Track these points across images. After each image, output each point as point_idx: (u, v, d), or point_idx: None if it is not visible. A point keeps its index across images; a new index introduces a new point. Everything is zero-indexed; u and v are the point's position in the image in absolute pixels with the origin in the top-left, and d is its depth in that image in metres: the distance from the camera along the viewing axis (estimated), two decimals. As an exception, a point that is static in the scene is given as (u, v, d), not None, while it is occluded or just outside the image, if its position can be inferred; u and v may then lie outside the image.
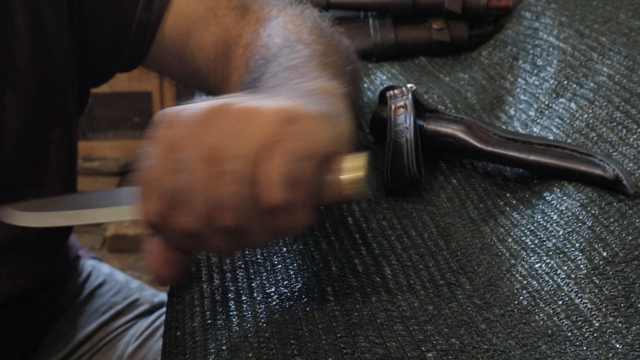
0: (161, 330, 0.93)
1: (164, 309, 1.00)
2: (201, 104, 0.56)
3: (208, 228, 0.55)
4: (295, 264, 0.66)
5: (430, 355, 0.55)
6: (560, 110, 0.84)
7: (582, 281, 0.63)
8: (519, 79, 0.93)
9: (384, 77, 1.01)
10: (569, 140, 0.80)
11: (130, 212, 0.60)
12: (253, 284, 0.65)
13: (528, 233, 0.70)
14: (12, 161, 0.80)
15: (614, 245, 0.65)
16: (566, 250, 0.67)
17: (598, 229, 0.67)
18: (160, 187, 0.55)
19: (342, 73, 0.71)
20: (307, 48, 0.73)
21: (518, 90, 0.91)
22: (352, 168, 0.57)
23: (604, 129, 0.79)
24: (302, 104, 0.57)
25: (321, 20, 0.82)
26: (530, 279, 0.65)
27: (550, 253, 0.67)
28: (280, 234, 0.58)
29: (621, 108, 0.80)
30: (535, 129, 0.84)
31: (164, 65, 0.87)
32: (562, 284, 0.64)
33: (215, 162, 0.54)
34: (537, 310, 0.62)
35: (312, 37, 0.76)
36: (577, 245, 0.67)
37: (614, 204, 0.70)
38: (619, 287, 0.62)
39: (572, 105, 0.84)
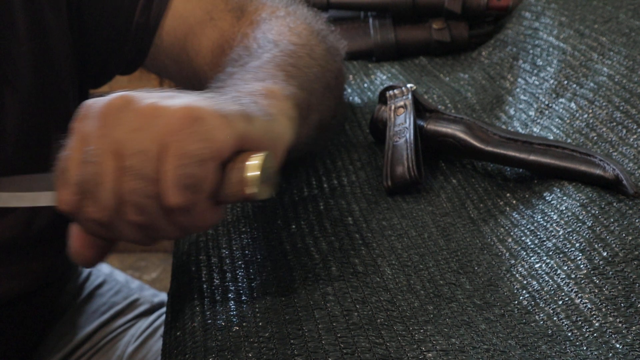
0: (161, 330, 0.93)
1: (164, 309, 1.00)
2: (111, 97, 0.57)
3: (116, 220, 0.57)
4: (295, 264, 0.66)
5: (430, 355, 0.55)
6: (560, 110, 0.84)
7: (582, 281, 0.63)
8: (519, 79, 0.93)
9: (384, 77, 1.01)
10: (569, 140, 0.80)
11: (50, 198, 0.61)
12: (253, 284, 0.65)
13: (528, 233, 0.70)
14: (12, 162, 0.80)
15: (614, 245, 0.65)
16: (566, 250, 0.67)
17: (598, 229, 0.67)
18: (72, 177, 0.57)
19: (302, 74, 0.71)
20: (275, 48, 0.73)
21: (518, 90, 0.91)
22: (253, 167, 0.57)
23: (604, 129, 0.79)
24: (212, 103, 0.57)
25: (314, 21, 0.82)
26: (530, 279, 0.65)
27: (550, 253, 0.67)
28: (189, 231, 0.59)
29: (621, 108, 0.80)
30: (535, 129, 0.84)
31: (163, 69, 0.88)
32: (562, 284, 0.64)
33: (120, 156, 0.55)
34: (537, 310, 0.62)
35: (291, 38, 0.76)
36: (577, 245, 0.67)
37: (614, 204, 0.70)
38: (619, 287, 0.62)
39: (572, 105, 0.84)
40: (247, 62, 0.71)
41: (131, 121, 0.55)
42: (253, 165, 0.57)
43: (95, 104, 0.57)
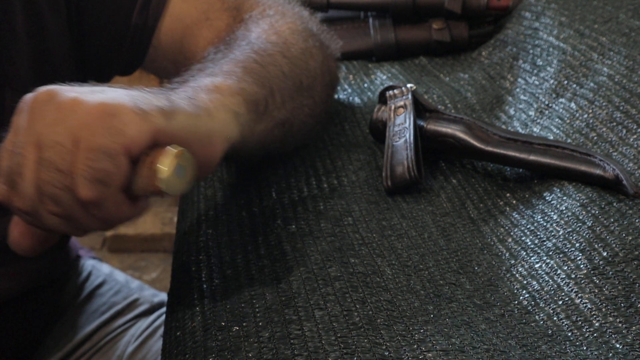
0: (161, 330, 0.93)
1: (164, 309, 1.00)
2: (38, 91, 0.59)
3: (39, 210, 0.58)
4: (295, 264, 0.66)
5: (430, 355, 0.55)
6: (560, 110, 0.84)
7: (582, 281, 0.63)
8: (519, 79, 0.93)
9: (384, 77, 1.01)
10: (569, 140, 0.80)
11: None
12: (253, 284, 0.65)
13: (528, 233, 0.70)
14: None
15: (614, 245, 0.65)
16: (566, 250, 0.67)
17: (598, 229, 0.67)
18: (2, 168, 0.59)
19: (265, 72, 0.72)
20: (247, 46, 0.74)
21: (518, 90, 0.91)
22: (163, 162, 0.58)
23: (604, 129, 0.79)
24: (132, 98, 0.59)
25: (304, 21, 0.83)
26: (530, 279, 0.65)
27: (550, 253, 0.67)
28: (109, 223, 0.60)
29: (621, 108, 0.80)
30: (535, 129, 0.84)
31: (162, 70, 0.88)
32: (562, 284, 0.63)
33: (39, 149, 0.57)
34: (537, 310, 0.62)
35: (269, 36, 0.77)
36: (577, 245, 0.67)
37: (614, 204, 0.70)
38: (619, 287, 0.62)
39: (572, 105, 0.84)
40: (215, 59, 0.73)
41: (52, 114, 0.58)
42: (163, 161, 0.58)
43: (28, 97, 0.60)
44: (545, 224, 0.70)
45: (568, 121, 0.82)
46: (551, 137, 0.81)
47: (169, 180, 0.58)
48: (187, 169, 0.59)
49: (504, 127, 0.86)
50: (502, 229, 0.72)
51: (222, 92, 0.66)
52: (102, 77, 0.90)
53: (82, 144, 0.56)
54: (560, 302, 0.62)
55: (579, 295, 0.62)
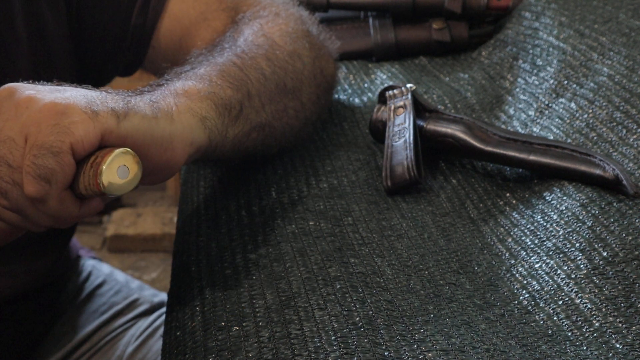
0: (161, 330, 0.93)
1: (164, 309, 1.00)
2: (2, 87, 0.61)
3: None
4: (295, 264, 0.66)
5: (430, 354, 0.55)
6: (560, 110, 0.84)
7: (582, 281, 0.63)
8: (519, 79, 0.93)
9: (384, 77, 1.01)
10: (569, 140, 0.80)
11: None
12: (253, 284, 0.65)
13: (528, 233, 0.70)
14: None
15: (614, 245, 0.65)
16: (566, 250, 0.67)
17: (598, 229, 0.67)
18: None
19: (243, 76, 0.72)
20: (229, 49, 0.75)
21: (518, 90, 0.91)
22: (107, 163, 0.58)
23: (604, 129, 0.79)
24: (85, 99, 0.60)
25: (299, 23, 0.82)
26: (530, 279, 0.65)
27: (550, 253, 0.67)
28: (59, 221, 0.61)
29: (621, 108, 0.80)
30: (535, 129, 0.84)
31: (161, 70, 0.88)
32: (562, 284, 0.64)
33: None
34: (537, 310, 0.62)
35: (255, 39, 0.77)
36: (577, 245, 0.67)
37: (614, 204, 0.70)
38: (619, 287, 0.62)
39: (572, 105, 0.84)
40: (195, 62, 0.74)
41: (8, 111, 0.59)
42: (105, 160, 0.58)
43: None
44: (545, 224, 0.70)
45: (568, 121, 0.82)
46: (551, 137, 0.81)
47: (108, 180, 0.58)
48: (131, 170, 0.59)
49: (503, 127, 0.86)
50: (502, 228, 0.72)
51: (191, 96, 0.66)
52: (102, 77, 0.90)
53: (29, 141, 0.58)
54: (560, 302, 0.62)
55: (579, 295, 0.62)
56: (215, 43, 0.78)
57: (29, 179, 0.58)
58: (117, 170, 0.58)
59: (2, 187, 0.59)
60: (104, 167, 0.58)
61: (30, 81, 0.63)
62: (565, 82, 0.87)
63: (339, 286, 0.62)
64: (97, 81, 0.91)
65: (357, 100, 0.97)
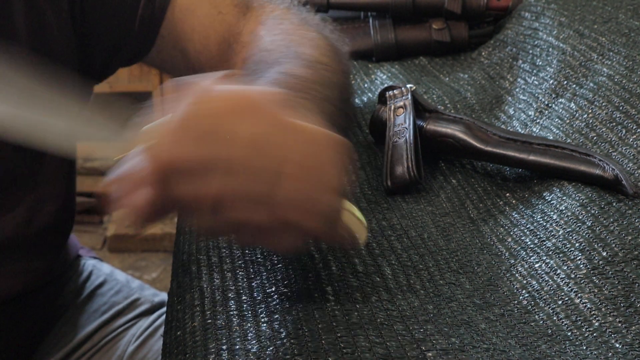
0: (161, 330, 0.94)
1: (164, 309, 1.01)
2: (234, 94, 0.53)
3: (217, 206, 0.52)
4: (295, 264, 0.66)
5: (430, 354, 0.55)
6: (560, 110, 0.84)
7: (582, 281, 0.63)
8: (519, 79, 0.93)
9: (384, 77, 1.01)
10: (569, 140, 0.80)
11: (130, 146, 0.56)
12: (253, 284, 0.65)
13: (528, 233, 0.70)
14: (13, 161, 0.80)
15: (613, 245, 0.65)
16: (566, 250, 0.67)
17: (598, 229, 0.67)
18: (193, 145, 0.52)
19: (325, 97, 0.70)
20: (309, 68, 0.72)
21: (517, 90, 0.92)
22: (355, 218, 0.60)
23: (604, 129, 0.79)
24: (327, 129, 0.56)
25: (323, 26, 0.82)
26: (530, 279, 0.65)
27: (550, 253, 0.67)
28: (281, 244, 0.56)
29: (621, 108, 0.80)
30: (534, 129, 0.84)
31: (168, 61, 0.88)
32: (562, 283, 0.64)
33: (255, 154, 0.52)
34: (537, 310, 0.62)
35: (320, 57, 0.76)
36: (577, 245, 0.67)
37: (614, 204, 0.70)
38: (619, 287, 0.62)
39: (572, 105, 0.84)
40: (279, 71, 0.70)
41: (272, 135, 0.52)
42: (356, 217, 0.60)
43: (214, 95, 0.53)
44: (545, 223, 0.71)
45: (568, 121, 0.82)
46: (551, 137, 0.81)
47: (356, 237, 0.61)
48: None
49: (503, 127, 0.86)
50: (501, 228, 0.72)
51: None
52: (107, 70, 0.90)
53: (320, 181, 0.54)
54: (560, 302, 0.62)
55: (579, 295, 0.62)
56: (275, 50, 0.75)
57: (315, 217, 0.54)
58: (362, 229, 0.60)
59: (252, 199, 0.52)
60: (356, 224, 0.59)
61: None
62: (565, 82, 0.87)
63: (339, 286, 0.62)
64: (101, 75, 0.91)
65: (357, 100, 0.97)
